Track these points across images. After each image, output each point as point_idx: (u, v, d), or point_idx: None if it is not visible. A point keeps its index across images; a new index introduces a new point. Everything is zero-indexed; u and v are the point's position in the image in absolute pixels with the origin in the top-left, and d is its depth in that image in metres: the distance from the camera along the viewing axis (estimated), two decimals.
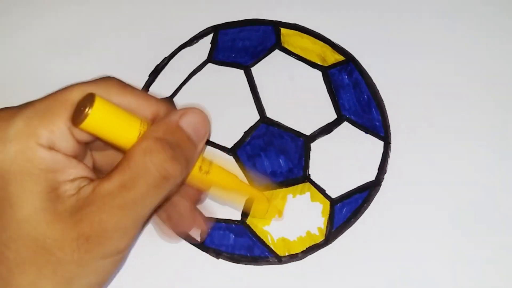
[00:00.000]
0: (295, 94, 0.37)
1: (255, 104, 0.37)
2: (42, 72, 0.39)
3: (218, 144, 0.36)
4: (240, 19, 0.40)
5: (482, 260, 0.32)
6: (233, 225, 0.34)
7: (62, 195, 0.23)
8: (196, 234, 0.33)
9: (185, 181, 0.27)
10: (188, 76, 0.38)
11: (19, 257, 0.23)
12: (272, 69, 0.38)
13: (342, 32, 0.39)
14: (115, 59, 0.39)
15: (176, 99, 0.37)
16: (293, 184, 0.35)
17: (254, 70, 0.38)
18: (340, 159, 0.35)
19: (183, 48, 0.39)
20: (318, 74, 0.38)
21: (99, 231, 0.23)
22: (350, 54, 0.38)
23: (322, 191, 0.34)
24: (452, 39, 0.38)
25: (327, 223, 0.34)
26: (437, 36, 0.38)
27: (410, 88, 0.37)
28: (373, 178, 0.35)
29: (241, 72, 0.38)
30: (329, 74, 0.38)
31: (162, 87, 0.38)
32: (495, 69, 0.37)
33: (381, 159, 0.35)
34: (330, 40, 0.38)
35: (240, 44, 0.39)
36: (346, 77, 0.37)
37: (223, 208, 0.34)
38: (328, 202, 0.34)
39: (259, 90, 0.37)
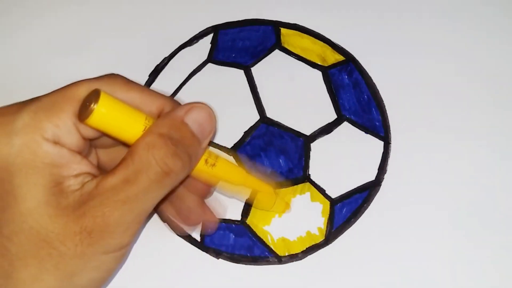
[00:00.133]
0: (295, 94, 0.37)
1: (255, 104, 0.37)
2: (42, 72, 0.39)
3: (218, 144, 0.36)
4: (240, 19, 0.40)
5: (482, 260, 0.32)
6: (233, 225, 0.34)
7: (66, 189, 0.23)
8: (206, 227, 0.33)
9: (190, 175, 0.27)
10: (188, 76, 0.38)
11: (21, 251, 0.23)
12: (272, 69, 0.38)
13: (342, 32, 0.39)
14: (115, 59, 0.39)
15: (176, 99, 0.37)
16: (293, 184, 0.35)
17: (254, 70, 0.38)
18: (340, 159, 0.35)
19: (183, 48, 0.39)
20: (318, 74, 0.38)
21: (101, 226, 0.23)
22: (350, 54, 0.38)
23: (322, 191, 0.34)
24: (452, 39, 0.38)
25: (327, 223, 0.34)
26: (437, 36, 0.38)
27: (410, 88, 0.37)
28: (373, 178, 0.35)
29: (241, 72, 0.38)
30: (329, 74, 0.38)
31: (162, 87, 0.38)
32: (495, 69, 0.37)
33: (381, 159, 0.35)
34: (330, 40, 0.38)
35: (240, 44, 0.39)
36: (346, 77, 0.37)
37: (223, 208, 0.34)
38: (328, 202, 0.34)
39: (259, 90, 0.37)
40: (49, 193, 0.23)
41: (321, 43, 0.38)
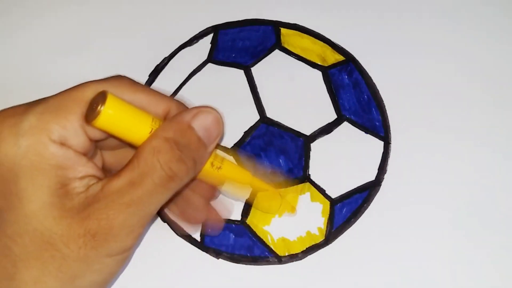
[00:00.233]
0: (295, 94, 0.37)
1: (255, 104, 0.37)
2: (42, 72, 0.39)
3: (218, 144, 0.36)
4: (240, 19, 0.40)
5: (482, 260, 0.32)
6: (233, 225, 0.34)
7: (71, 191, 0.23)
8: (211, 228, 0.33)
9: (196, 178, 0.27)
10: (188, 76, 0.38)
11: (24, 252, 0.23)
12: (272, 69, 0.38)
13: (342, 32, 0.39)
14: (115, 59, 0.39)
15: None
16: (293, 184, 0.35)
17: (254, 70, 0.38)
18: (340, 159, 0.35)
19: (183, 48, 0.39)
20: (318, 74, 0.38)
21: (106, 228, 0.23)
22: (350, 54, 0.38)
23: (322, 191, 0.34)
24: (452, 39, 0.38)
25: (327, 223, 0.34)
26: (437, 36, 0.38)
27: (410, 88, 0.37)
28: (373, 178, 0.35)
29: (241, 72, 0.38)
30: (329, 74, 0.38)
31: (162, 87, 0.38)
32: (495, 69, 0.37)
33: (381, 159, 0.35)
34: (330, 40, 0.38)
35: (240, 44, 0.39)
36: (346, 77, 0.37)
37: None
38: (328, 202, 0.34)
39: (259, 90, 0.37)
40: (54, 195, 0.23)
41: (321, 43, 0.38)
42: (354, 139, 0.36)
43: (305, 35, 0.39)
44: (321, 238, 0.33)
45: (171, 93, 0.38)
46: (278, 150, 0.35)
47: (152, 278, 0.33)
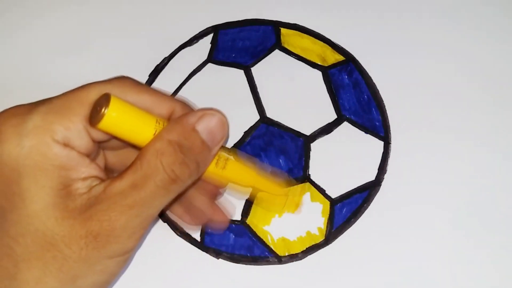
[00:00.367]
0: (295, 94, 0.37)
1: (255, 104, 0.37)
2: (42, 72, 0.39)
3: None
4: (240, 19, 0.40)
5: (482, 260, 0.32)
6: (233, 225, 0.34)
7: (73, 192, 0.23)
8: (216, 227, 0.33)
9: (200, 179, 0.27)
10: (188, 76, 0.38)
11: (26, 252, 0.23)
12: (272, 69, 0.38)
13: (342, 32, 0.39)
14: (115, 59, 0.39)
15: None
16: (293, 184, 0.35)
17: (254, 70, 0.38)
18: (340, 159, 0.35)
19: (183, 48, 0.39)
20: (318, 74, 0.38)
21: (108, 230, 0.23)
22: (350, 54, 0.38)
23: (322, 191, 0.34)
24: (452, 39, 0.38)
25: (327, 223, 0.34)
26: (437, 36, 0.38)
27: (410, 88, 0.37)
28: (373, 178, 0.35)
29: (241, 72, 0.38)
30: (329, 74, 0.38)
31: (162, 87, 0.38)
32: (495, 69, 0.37)
33: (381, 159, 0.35)
34: (330, 40, 0.38)
35: (240, 44, 0.39)
36: (346, 77, 0.37)
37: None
38: (328, 202, 0.34)
39: (259, 90, 0.37)
40: (56, 195, 0.23)
41: (321, 43, 0.38)
42: (354, 139, 0.36)
43: (305, 35, 0.39)
44: (321, 238, 0.33)
45: (171, 93, 0.38)
46: (278, 150, 0.35)
47: (152, 278, 0.33)
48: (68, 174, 0.24)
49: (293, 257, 0.33)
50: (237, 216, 0.34)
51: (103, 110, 0.23)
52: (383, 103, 0.36)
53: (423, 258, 0.32)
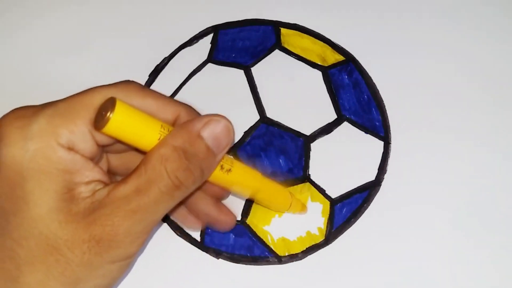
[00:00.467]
0: (295, 94, 0.37)
1: (255, 104, 0.37)
2: (42, 72, 0.39)
3: None
4: (240, 19, 0.40)
5: (482, 260, 0.32)
6: None
7: (77, 196, 0.24)
8: (222, 227, 0.33)
9: (205, 183, 0.27)
10: (188, 76, 0.38)
11: (29, 255, 0.23)
12: (272, 69, 0.38)
13: (342, 32, 0.39)
14: (115, 59, 0.39)
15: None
16: (293, 184, 0.35)
17: (254, 70, 0.38)
18: (340, 159, 0.35)
19: (183, 48, 0.39)
20: (318, 74, 0.38)
21: (111, 235, 0.23)
22: (350, 54, 0.38)
23: (322, 191, 0.34)
24: (452, 39, 0.38)
25: (327, 223, 0.34)
26: (437, 36, 0.38)
27: (410, 88, 0.37)
28: (373, 178, 0.35)
29: (241, 72, 0.38)
30: (329, 74, 0.38)
31: (162, 87, 0.38)
32: (495, 69, 0.37)
33: (381, 159, 0.35)
34: (330, 40, 0.38)
35: (240, 44, 0.39)
36: (346, 77, 0.37)
37: None
38: (328, 202, 0.34)
39: (259, 90, 0.37)
40: (60, 199, 0.23)
41: (321, 43, 0.38)
42: (354, 139, 0.36)
43: (305, 35, 0.39)
44: (321, 238, 0.33)
45: (171, 93, 0.38)
46: (278, 150, 0.35)
47: (152, 278, 0.33)
48: (72, 178, 0.24)
49: (293, 257, 0.33)
50: (237, 216, 0.34)
51: (108, 114, 0.23)
52: (383, 103, 0.36)
53: (423, 258, 0.32)
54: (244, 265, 0.33)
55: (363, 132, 0.36)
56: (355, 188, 0.34)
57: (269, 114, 0.37)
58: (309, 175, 0.35)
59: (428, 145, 0.35)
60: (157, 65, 0.39)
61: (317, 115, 0.36)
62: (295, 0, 0.40)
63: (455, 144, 0.35)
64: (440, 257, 0.32)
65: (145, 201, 0.24)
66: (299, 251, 0.33)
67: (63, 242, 0.23)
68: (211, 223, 0.32)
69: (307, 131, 0.36)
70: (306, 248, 0.33)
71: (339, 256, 0.33)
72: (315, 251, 0.33)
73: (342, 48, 0.38)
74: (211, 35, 0.39)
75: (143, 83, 0.38)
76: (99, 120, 0.23)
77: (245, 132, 0.36)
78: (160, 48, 0.39)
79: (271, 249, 0.33)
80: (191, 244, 0.34)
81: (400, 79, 0.37)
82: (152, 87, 0.38)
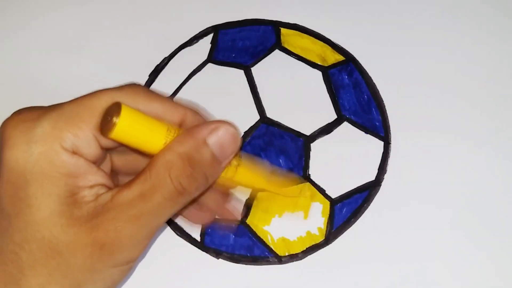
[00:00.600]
0: (295, 94, 0.37)
1: (255, 104, 0.37)
2: (42, 72, 0.39)
3: None
4: (240, 19, 0.40)
5: (482, 260, 0.32)
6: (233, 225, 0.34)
7: (80, 200, 0.23)
8: (228, 223, 0.33)
9: (209, 189, 0.27)
10: (188, 76, 0.38)
11: (31, 259, 0.23)
12: (272, 69, 0.38)
13: (342, 32, 0.39)
14: (115, 59, 0.39)
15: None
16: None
17: (254, 70, 0.38)
18: (340, 159, 0.35)
19: (183, 48, 0.39)
20: (318, 74, 0.38)
21: (113, 240, 0.23)
22: (350, 54, 0.38)
23: (322, 191, 0.34)
24: (452, 39, 0.38)
25: (327, 223, 0.34)
26: (437, 36, 0.38)
27: (410, 88, 0.37)
28: (373, 178, 0.35)
29: (241, 72, 0.38)
30: (329, 74, 0.38)
31: (162, 87, 0.38)
32: (495, 69, 0.37)
33: (381, 159, 0.35)
34: (330, 40, 0.38)
35: (240, 44, 0.39)
36: (346, 77, 0.37)
37: None
38: (328, 202, 0.34)
39: (259, 90, 0.37)
40: (63, 203, 0.23)
41: (321, 43, 0.38)
42: (354, 139, 0.36)
43: (305, 35, 0.39)
44: (321, 238, 0.33)
45: (171, 93, 0.38)
46: (278, 150, 0.35)
47: (152, 278, 0.33)
48: (75, 182, 0.24)
49: (293, 257, 0.33)
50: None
51: (114, 119, 0.23)
52: (383, 103, 0.36)
53: (423, 258, 0.32)
54: (244, 265, 0.33)
55: (363, 132, 0.36)
56: (355, 188, 0.34)
57: (269, 114, 0.37)
58: (309, 175, 0.35)
59: (428, 145, 0.35)
60: (157, 65, 0.39)
61: (317, 115, 0.36)
62: (295, 0, 0.40)
63: (455, 144, 0.35)
64: (440, 257, 0.32)
65: (149, 207, 0.24)
66: (299, 251, 0.33)
67: (65, 246, 0.23)
68: (220, 214, 0.32)
69: (307, 131, 0.36)
70: (306, 248, 0.33)
71: (339, 256, 0.33)
72: (315, 251, 0.33)
73: (342, 48, 0.38)
74: (211, 35, 0.39)
75: (143, 83, 0.38)
76: (105, 125, 0.23)
77: (245, 132, 0.36)
78: (160, 48, 0.39)
79: (271, 249, 0.33)
80: (191, 244, 0.34)
81: (400, 79, 0.37)
82: (152, 87, 0.38)
